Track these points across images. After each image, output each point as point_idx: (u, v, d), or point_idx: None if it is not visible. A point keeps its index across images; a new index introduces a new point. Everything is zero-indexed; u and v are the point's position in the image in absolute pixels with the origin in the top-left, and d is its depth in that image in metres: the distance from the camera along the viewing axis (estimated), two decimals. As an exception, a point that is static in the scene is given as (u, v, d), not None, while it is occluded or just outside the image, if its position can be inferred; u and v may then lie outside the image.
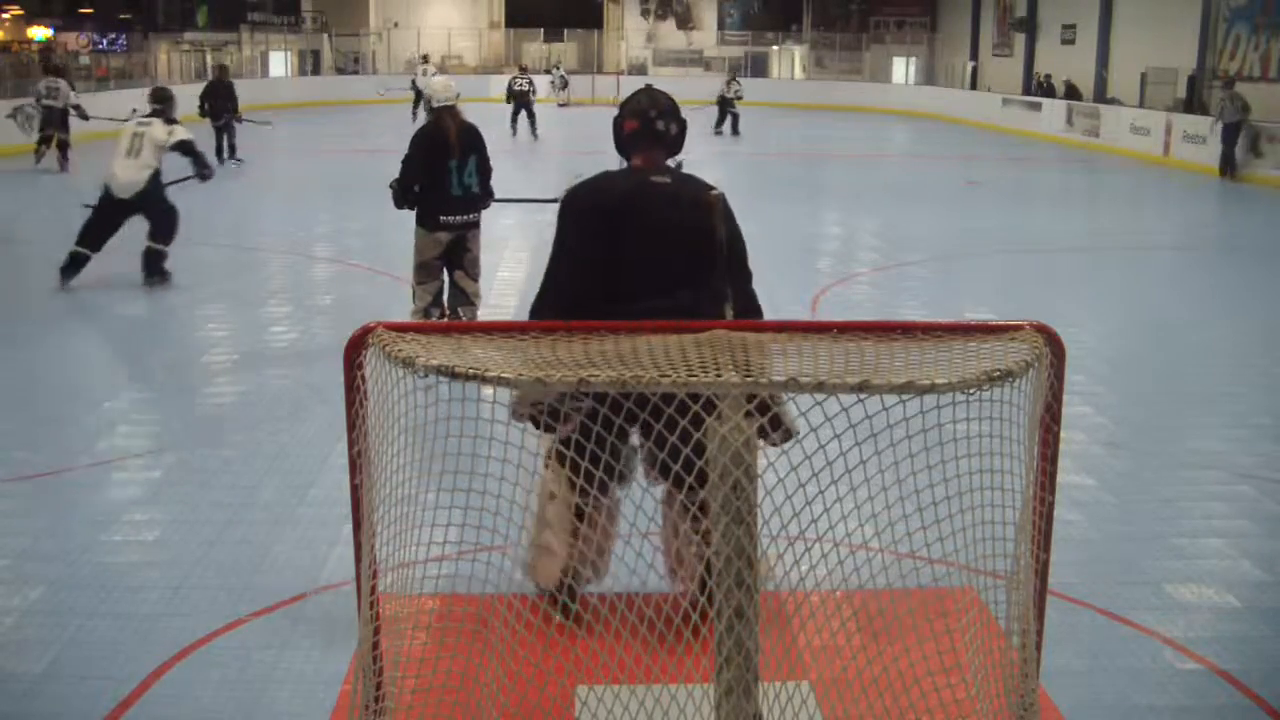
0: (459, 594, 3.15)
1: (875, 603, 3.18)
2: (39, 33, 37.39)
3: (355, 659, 3.10)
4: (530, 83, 25.94)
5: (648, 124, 3.96)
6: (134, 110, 10.33)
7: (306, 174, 20.24)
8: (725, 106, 26.73)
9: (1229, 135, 20.12)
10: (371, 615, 2.92)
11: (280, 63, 40.49)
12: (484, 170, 7.43)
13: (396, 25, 43.76)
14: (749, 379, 2.51)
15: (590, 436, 2.91)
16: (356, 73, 41.97)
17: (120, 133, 9.85)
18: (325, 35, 43.03)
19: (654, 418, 2.67)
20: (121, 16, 38.02)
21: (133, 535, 5.05)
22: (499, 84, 39.44)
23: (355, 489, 2.89)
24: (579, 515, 3.67)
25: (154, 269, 9.84)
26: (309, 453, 6.04)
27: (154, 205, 9.74)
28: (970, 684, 3.09)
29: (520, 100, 25.54)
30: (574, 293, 3.81)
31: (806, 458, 2.75)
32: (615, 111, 4.19)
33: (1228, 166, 20.11)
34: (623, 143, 4.03)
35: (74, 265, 9.69)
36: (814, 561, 2.94)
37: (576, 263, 3.85)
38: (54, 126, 17.88)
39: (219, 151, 18.31)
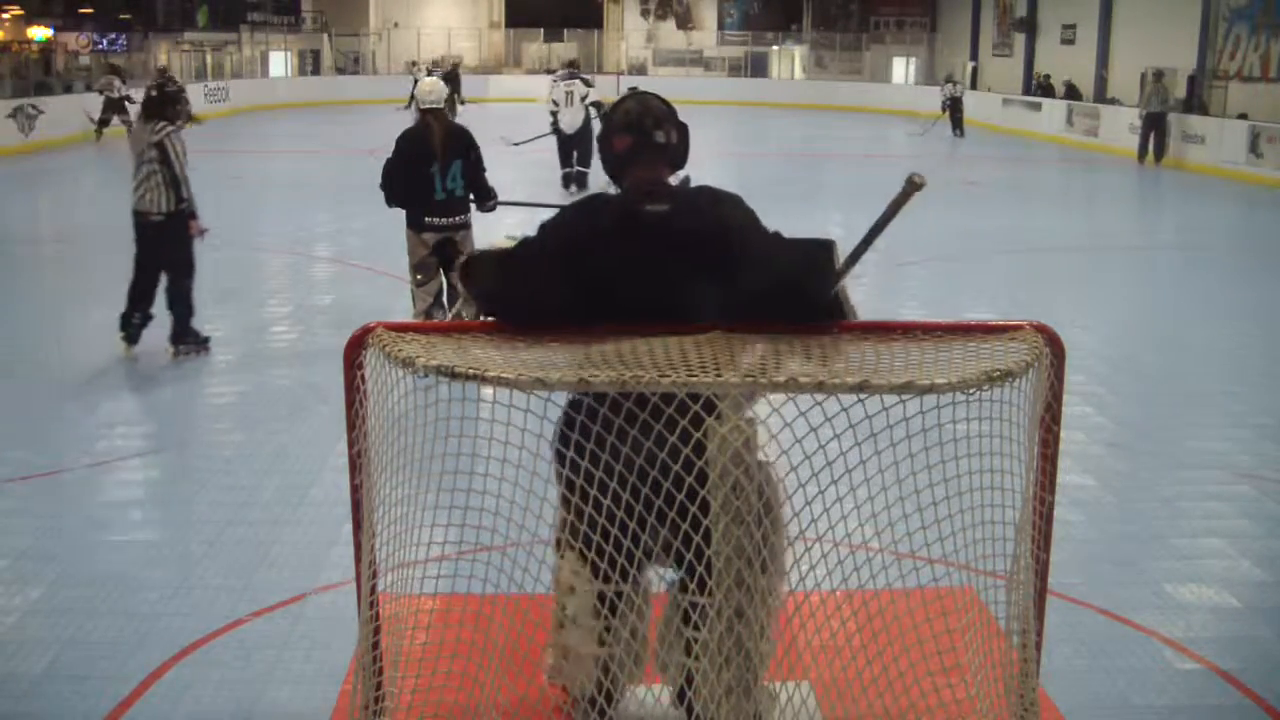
0: (459, 594, 3.14)
1: (875, 603, 3.18)
2: (39, 33, 37.35)
3: (355, 659, 3.10)
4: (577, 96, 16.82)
5: (644, 136, 3.13)
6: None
7: (306, 174, 20.24)
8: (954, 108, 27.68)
9: (1153, 124, 21.95)
10: (371, 615, 2.92)
11: (280, 63, 40.50)
12: (472, 173, 7.37)
13: (396, 25, 43.75)
14: (749, 379, 2.51)
15: (604, 512, 2.78)
16: (357, 73, 41.97)
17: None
18: (325, 35, 43.03)
19: (670, 501, 2.66)
20: (121, 16, 37.97)
21: (133, 535, 5.05)
22: (499, 84, 39.63)
23: (355, 489, 2.89)
24: (609, 607, 3.04)
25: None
26: (309, 453, 6.04)
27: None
28: (970, 684, 3.09)
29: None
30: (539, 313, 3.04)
31: (806, 458, 2.75)
32: (600, 126, 3.36)
33: (1144, 152, 22.04)
34: (615, 163, 3.18)
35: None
36: (814, 561, 2.94)
37: (543, 300, 3.02)
38: (114, 112, 22.78)
39: None
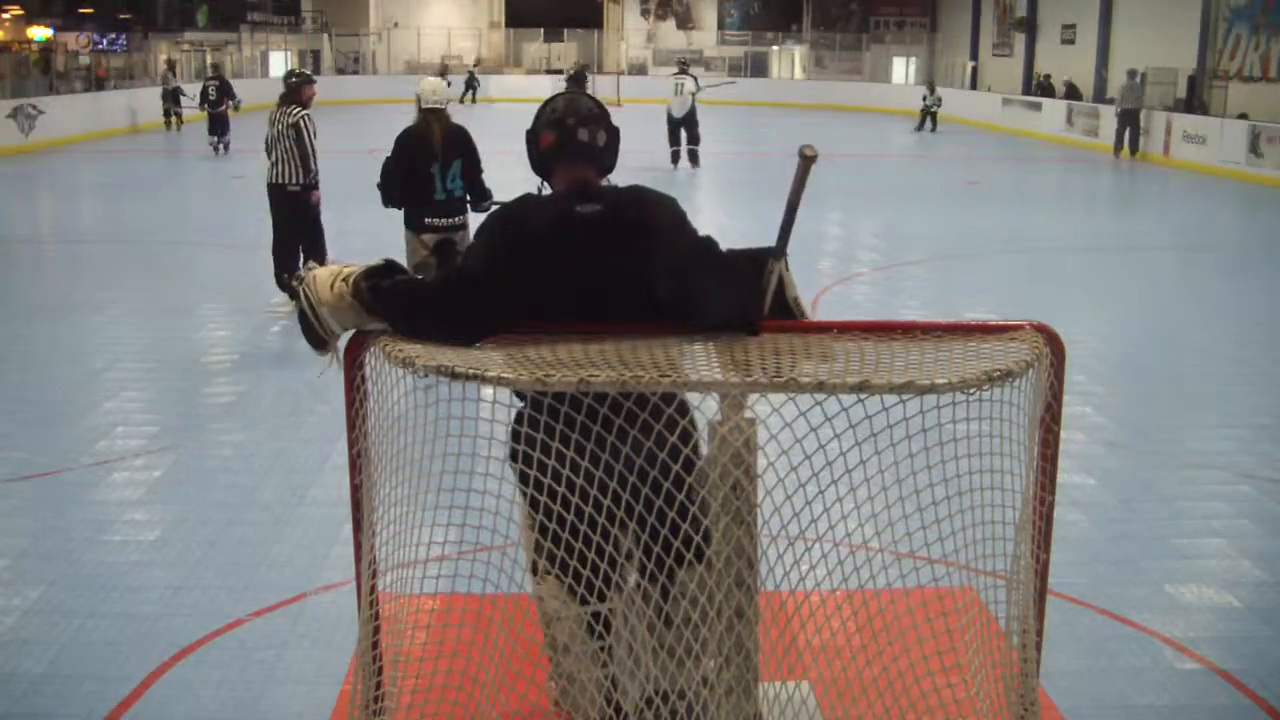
0: (459, 594, 3.14)
1: (875, 603, 3.18)
2: (39, 33, 37.35)
3: (355, 659, 3.10)
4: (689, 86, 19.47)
5: (567, 135, 3.04)
6: None
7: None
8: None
9: (1127, 120, 23.22)
10: (371, 615, 2.92)
11: (280, 63, 40.46)
12: (471, 173, 7.40)
13: (396, 25, 43.76)
14: (749, 379, 2.51)
15: (571, 530, 2.78)
16: (357, 73, 41.97)
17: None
18: (325, 35, 43.04)
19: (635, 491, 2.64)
20: (121, 16, 37.98)
21: (133, 535, 5.05)
22: (499, 84, 39.66)
23: (355, 489, 2.90)
24: (602, 625, 2.99)
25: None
26: (309, 453, 6.04)
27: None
28: (970, 684, 3.09)
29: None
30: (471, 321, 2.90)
31: (806, 457, 2.75)
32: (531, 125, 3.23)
33: (1119, 147, 23.37)
34: (539, 161, 3.11)
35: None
36: (814, 561, 2.94)
37: (483, 301, 2.92)
38: (171, 103, 26.21)
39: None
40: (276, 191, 9.15)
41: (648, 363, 2.57)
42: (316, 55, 42.37)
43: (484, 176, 7.53)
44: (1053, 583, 3.10)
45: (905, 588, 3.31)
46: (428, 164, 7.24)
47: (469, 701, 3.08)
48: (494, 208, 7.52)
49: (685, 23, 45.61)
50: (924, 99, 30.28)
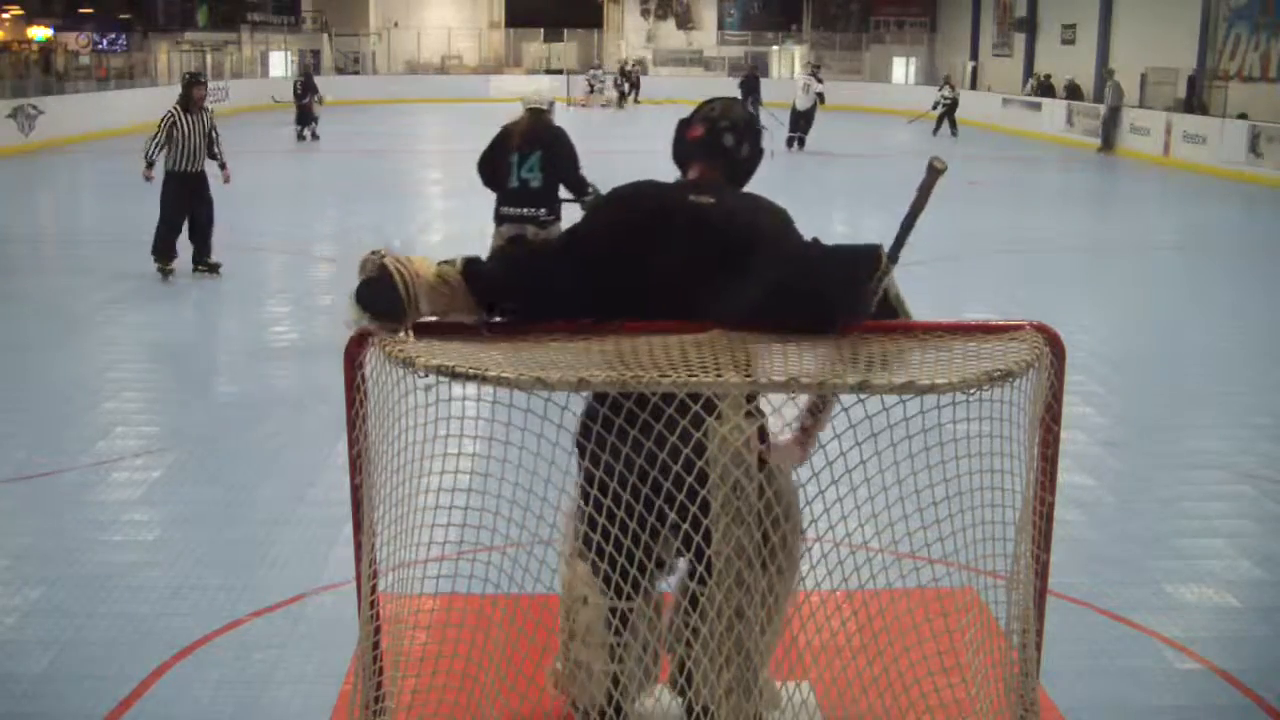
0: (459, 594, 3.14)
1: (875, 603, 3.17)
2: (39, 33, 37.37)
3: (355, 659, 3.10)
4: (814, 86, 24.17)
5: (714, 134, 3.11)
6: None
7: (306, 174, 20.24)
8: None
9: (1113, 117, 24.79)
10: (371, 615, 2.92)
11: (280, 62, 40.47)
12: (551, 166, 7.56)
13: (396, 25, 43.76)
14: (749, 379, 2.51)
15: (618, 522, 2.78)
16: (357, 73, 41.95)
17: None
18: (325, 35, 43.02)
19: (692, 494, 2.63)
20: (121, 16, 37.99)
21: (133, 535, 5.05)
22: (499, 84, 39.64)
23: (355, 489, 2.89)
24: (621, 620, 3.00)
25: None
26: (309, 453, 6.04)
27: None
28: (970, 684, 3.09)
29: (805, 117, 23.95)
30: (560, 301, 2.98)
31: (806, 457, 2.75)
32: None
33: (1107, 143, 24.78)
34: (681, 150, 3.19)
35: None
36: (814, 561, 2.94)
37: (578, 279, 2.98)
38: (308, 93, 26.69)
39: None
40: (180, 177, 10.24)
41: (648, 363, 2.57)
42: (317, 55, 42.35)
43: (580, 170, 7.70)
44: (1053, 583, 3.10)
45: (905, 588, 3.31)
46: (507, 154, 7.57)
47: (469, 701, 3.08)
48: (595, 197, 7.61)
49: (685, 23, 45.59)
50: (939, 96, 28.37)
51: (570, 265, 2.98)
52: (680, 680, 2.99)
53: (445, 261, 2.89)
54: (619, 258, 2.95)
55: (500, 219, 7.60)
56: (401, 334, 2.76)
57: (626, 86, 38.01)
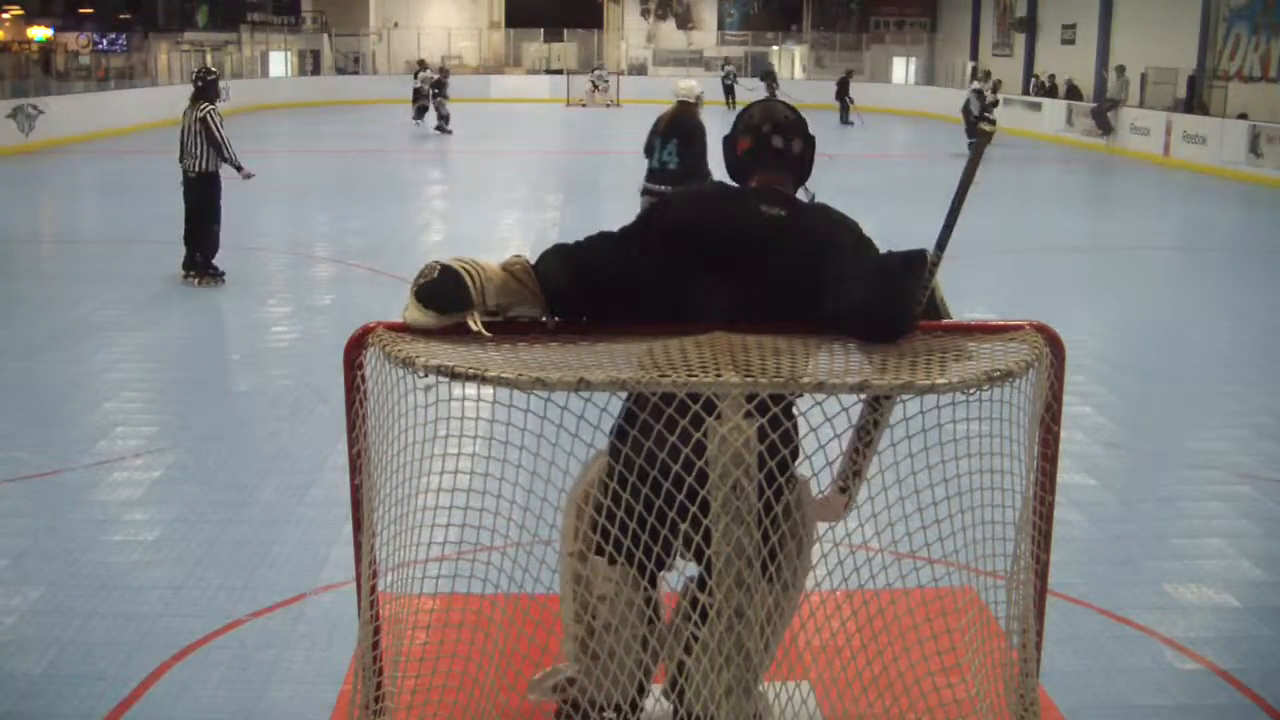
0: (459, 594, 3.14)
1: (875, 603, 3.17)
2: (39, 33, 37.38)
3: (355, 659, 3.10)
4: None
5: (762, 141, 3.09)
6: None
7: (306, 174, 20.24)
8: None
9: (1111, 106, 25.56)
10: (371, 615, 2.92)
11: (280, 63, 40.48)
12: (685, 153, 8.75)
13: (396, 25, 43.75)
14: (749, 379, 2.50)
15: (637, 516, 2.79)
16: (357, 73, 41.95)
17: None
18: (325, 35, 43.01)
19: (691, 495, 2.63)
20: (121, 16, 37.99)
21: (133, 535, 5.05)
22: (499, 84, 39.65)
23: (355, 489, 2.89)
24: (652, 610, 2.99)
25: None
26: (309, 453, 6.04)
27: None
28: (970, 684, 3.09)
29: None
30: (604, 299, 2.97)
31: (806, 457, 2.75)
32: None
33: (1103, 127, 25.49)
34: (736, 166, 3.16)
35: None
36: (814, 561, 2.94)
37: (630, 280, 2.96)
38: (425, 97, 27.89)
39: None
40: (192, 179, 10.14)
41: (648, 363, 2.57)
42: (316, 55, 42.35)
43: (707, 163, 8.75)
44: (1053, 583, 3.10)
45: (905, 588, 3.31)
46: (655, 136, 9.00)
47: (469, 701, 3.08)
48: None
49: (685, 23, 45.59)
50: (979, 98, 22.79)
51: (626, 249, 2.96)
52: (680, 681, 2.99)
53: (513, 257, 2.96)
54: (683, 260, 2.93)
55: (643, 191, 8.92)
56: (470, 324, 2.78)
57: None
